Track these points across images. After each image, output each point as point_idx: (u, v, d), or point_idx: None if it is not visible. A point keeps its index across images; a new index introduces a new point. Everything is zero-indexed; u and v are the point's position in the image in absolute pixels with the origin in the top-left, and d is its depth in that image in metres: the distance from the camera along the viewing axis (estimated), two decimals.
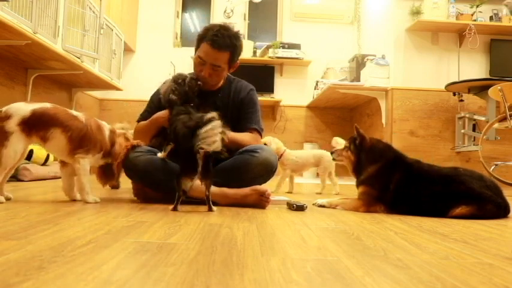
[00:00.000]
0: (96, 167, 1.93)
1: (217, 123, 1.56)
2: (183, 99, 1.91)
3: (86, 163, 1.79)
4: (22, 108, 1.67)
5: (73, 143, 1.74)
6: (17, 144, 1.65)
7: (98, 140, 1.81)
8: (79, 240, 0.99)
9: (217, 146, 1.53)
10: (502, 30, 4.55)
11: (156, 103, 2.09)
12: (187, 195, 1.83)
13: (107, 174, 1.94)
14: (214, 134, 1.53)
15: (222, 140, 1.55)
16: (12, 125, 1.63)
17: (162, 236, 1.10)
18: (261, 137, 2.19)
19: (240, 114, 2.11)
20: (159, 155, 1.87)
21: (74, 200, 1.84)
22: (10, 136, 1.62)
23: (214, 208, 1.66)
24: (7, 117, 1.63)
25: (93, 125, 1.80)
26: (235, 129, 2.03)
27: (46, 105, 1.74)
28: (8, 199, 1.75)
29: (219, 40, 1.95)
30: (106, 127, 1.89)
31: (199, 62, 2.01)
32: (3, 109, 1.66)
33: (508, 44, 4.62)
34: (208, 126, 1.54)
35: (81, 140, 1.74)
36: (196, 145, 1.52)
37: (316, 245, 1.07)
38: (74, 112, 1.80)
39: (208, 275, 0.75)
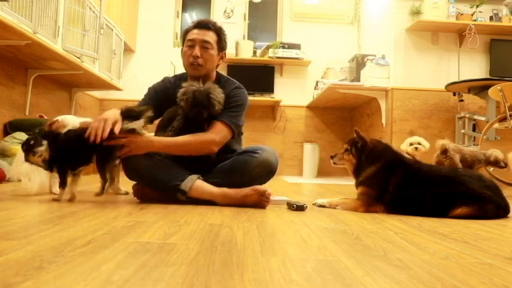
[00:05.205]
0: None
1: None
2: (190, 113, 1.90)
3: None
4: (74, 119, 2.10)
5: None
6: None
7: None
8: (79, 240, 0.99)
9: None
10: (502, 30, 4.54)
11: (152, 95, 2.15)
12: (187, 195, 1.83)
13: None
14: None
15: None
16: None
17: (162, 236, 1.10)
18: (234, 132, 1.97)
19: None
20: None
21: (119, 194, 2.25)
22: None
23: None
24: (63, 125, 2.03)
25: None
26: None
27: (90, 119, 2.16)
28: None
29: (203, 21, 2.06)
30: None
31: (188, 47, 2.03)
32: (59, 118, 2.08)
33: (508, 44, 4.61)
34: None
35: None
36: None
37: (316, 245, 1.07)
38: None
39: (208, 275, 0.75)
